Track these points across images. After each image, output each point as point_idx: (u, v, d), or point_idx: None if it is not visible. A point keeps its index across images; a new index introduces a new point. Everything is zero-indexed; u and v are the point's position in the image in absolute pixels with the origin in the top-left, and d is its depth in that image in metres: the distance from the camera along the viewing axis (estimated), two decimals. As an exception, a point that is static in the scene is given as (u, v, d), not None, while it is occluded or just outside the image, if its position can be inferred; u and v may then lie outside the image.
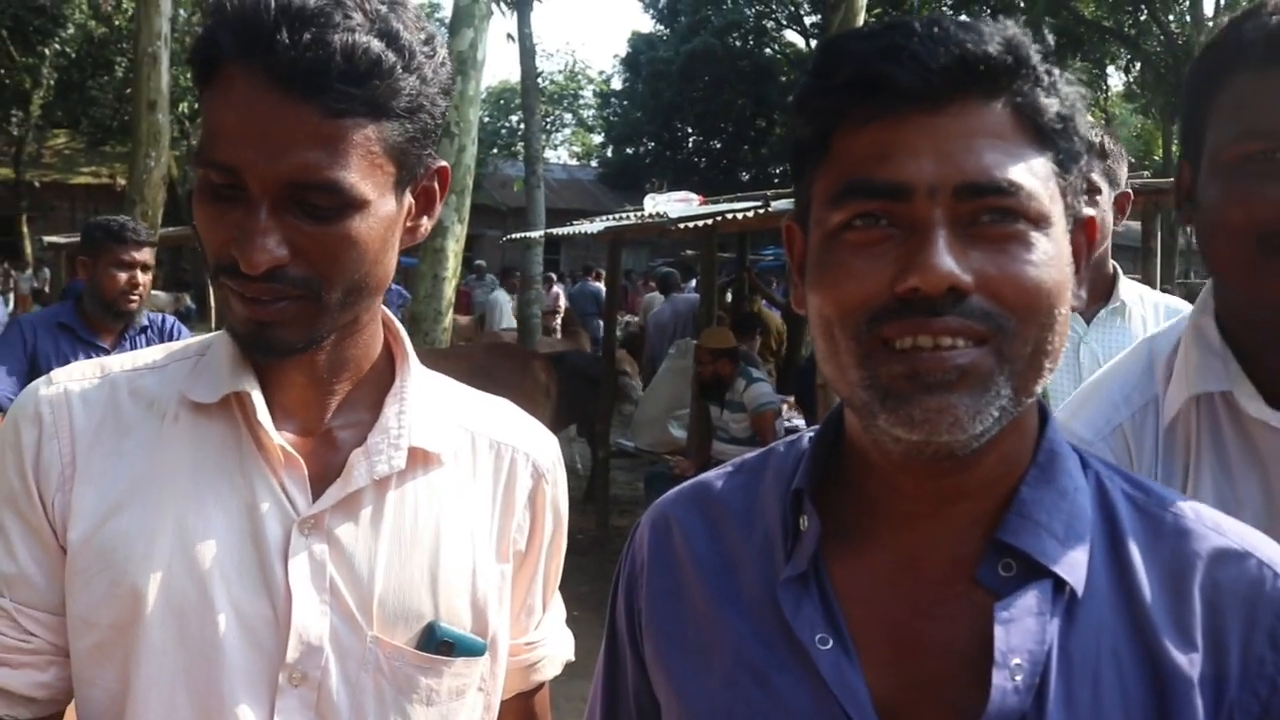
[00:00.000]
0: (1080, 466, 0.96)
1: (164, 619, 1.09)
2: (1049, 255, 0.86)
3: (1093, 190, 2.40)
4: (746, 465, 1.09)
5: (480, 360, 7.73)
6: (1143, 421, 1.46)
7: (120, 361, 1.21)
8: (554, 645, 1.40)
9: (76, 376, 1.18)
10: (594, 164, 40.47)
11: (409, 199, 1.15)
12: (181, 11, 21.51)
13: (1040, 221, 0.86)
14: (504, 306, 15.97)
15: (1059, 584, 0.89)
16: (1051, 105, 0.88)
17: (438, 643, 1.16)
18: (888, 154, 0.85)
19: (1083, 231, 0.94)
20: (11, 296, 19.81)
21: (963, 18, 0.89)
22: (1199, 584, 0.90)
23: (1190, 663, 0.87)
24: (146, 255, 4.04)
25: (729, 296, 10.52)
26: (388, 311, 1.23)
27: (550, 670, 1.40)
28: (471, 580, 1.20)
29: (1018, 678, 0.85)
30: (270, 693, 1.10)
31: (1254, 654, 0.88)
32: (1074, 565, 0.89)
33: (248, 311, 1.08)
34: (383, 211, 1.09)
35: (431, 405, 1.23)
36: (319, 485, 1.14)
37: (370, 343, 1.21)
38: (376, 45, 1.03)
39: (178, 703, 1.09)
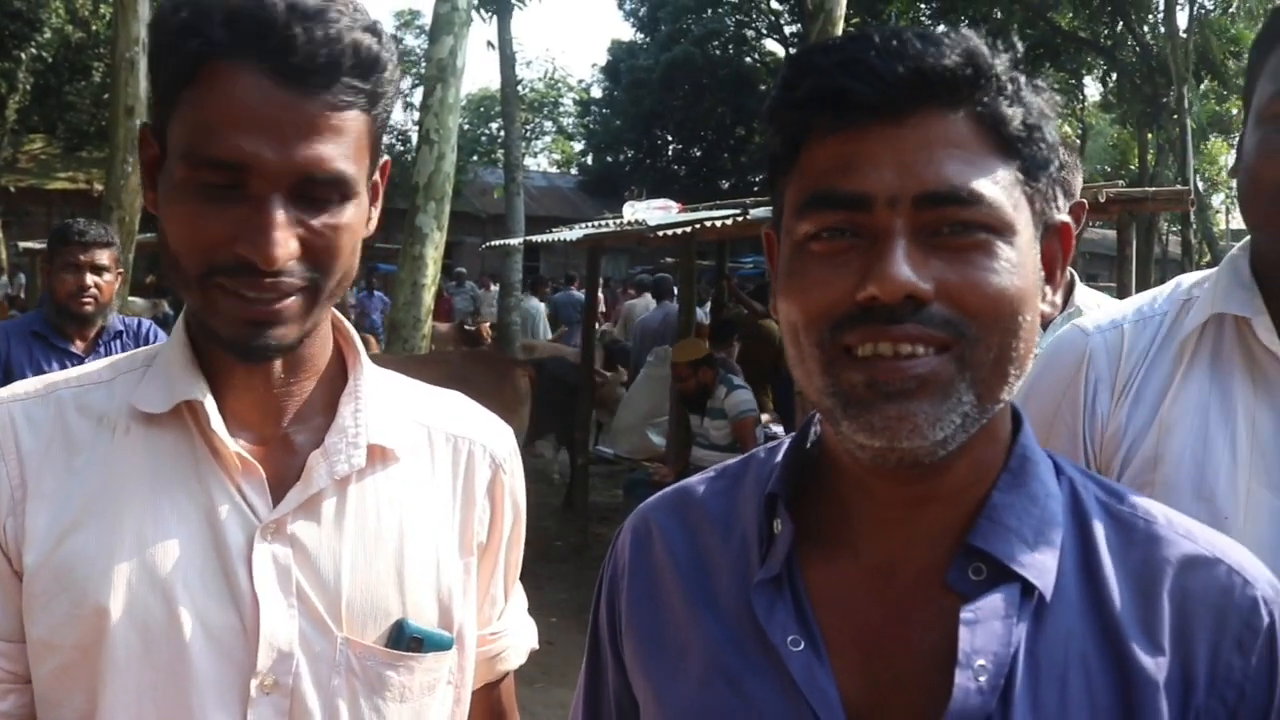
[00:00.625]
0: (1054, 472, 0.97)
1: (128, 635, 1.07)
2: (1012, 263, 0.87)
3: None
4: (728, 471, 1.11)
5: (458, 367, 7.72)
6: (1144, 328, 1.60)
7: (65, 378, 1.19)
8: (517, 634, 1.41)
9: (20, 395, 1.16)
10: (574, 171, 40.46)
11: (368, 192, 1.16)
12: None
13: (1003, 230, 0.87)
14: (540, 315, 15.62)
15: (1028, 588, 0.89)
16: (1015, 114, 0.89)
17: (407, 640, 1.17)
18: (849, 165, 0.87)
19: (1056, 237, 0.95)
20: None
21: (926, 28, 0.90)
22: (1168, 590, 0.90)
23: (1158, 668, 0.88)
24: (99, 256, 3.93)
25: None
26: (336, 312, 1.23)
27: (515, 659, 1.41)
28: (436, 575, 1.20)
29: (981, 679, 0.86)
30: (242, 702, 1.09)
31: (1222, 660, 0.89)
32: (1043, 570, 0.90)
33: (249, 312, 1.06)
34: (363, 201, 1.12)
35: (387, 402, 1.23)
36: (278, 490, 1.14)
37: (325, 341, 1.21)
38: (373, 40, 1.06)
39: (147, 719, 1.08)
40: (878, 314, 0.85)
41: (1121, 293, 8.00)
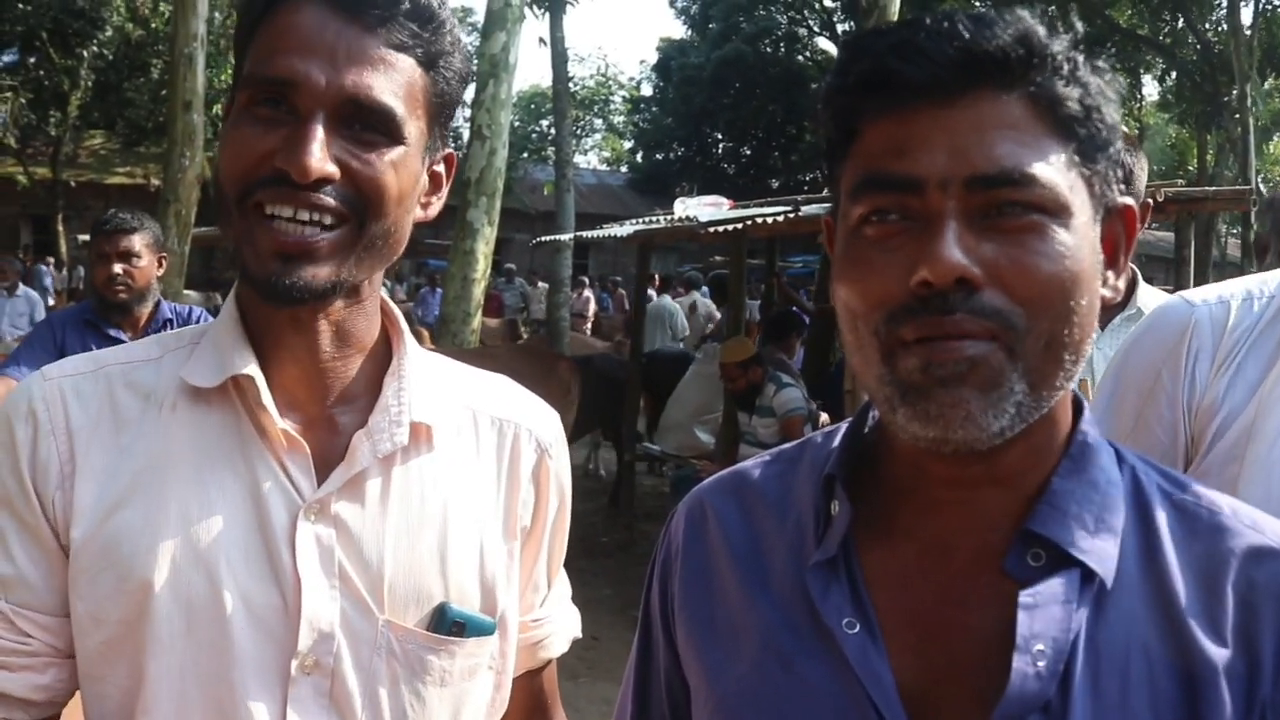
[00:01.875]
0: (1115, 460, 0.95)
1: (172, 612, 1.08)
2: (1067, 247, 0.85)
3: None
4: (784, 455, 1.10)
5: (506, 361, 7.75)
6: (1250, 307, 1.61)
7: (115, 355, 1.20)
8: (560, 622, 1.39)
9: (69, 372, 1.16)
10: (624, 169, 40.52)
11: (426, 170, 1.17)
12: (217, 14, 21.71)
13: (1058, 212, 0.85)
14: (679, 314, 14.78)
15: (1088, 575, 0.88)
16: (1071, 94, 0.87)
17: (449, 624, 1.16)
18: (901, 148, 0.86)
19: (1120, 220, 0.93)
20: (50, 294, 20.09)
21: (981, 12, 0.89)
22: (1233, 581, 0.88)
23: (1222, 660, 0.86)
24: (132, 243, 3.93)
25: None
26: (384, 295, 1.23)
27: (558, 647, 1.40)
28: (480, 559, 1.20)
29: (1040, 663, 0.84)
30: (283, 682, 1.09)
31: None
32: (1104, 556, 0.88)
33: (281, 240, 1.06)
34: (414, 163, 1.12)
35: (431, 382, 1.22)
36: (323, 469, 1.14)
37: (371, 318, 1.20)
38: (435, 1, 1.11)
39: (189, 695, 1.08)
40: (931, 305, 0.84)
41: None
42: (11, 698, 1.13)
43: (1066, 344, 0.86)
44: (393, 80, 1.08)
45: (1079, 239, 0.86)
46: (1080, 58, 0.88)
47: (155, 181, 27.73)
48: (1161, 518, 0.92)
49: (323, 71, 1.05)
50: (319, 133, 1.04)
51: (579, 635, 1.44)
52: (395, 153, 1.09)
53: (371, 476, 1.15)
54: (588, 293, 20.05)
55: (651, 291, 17.52)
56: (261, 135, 1.06)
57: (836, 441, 1.03)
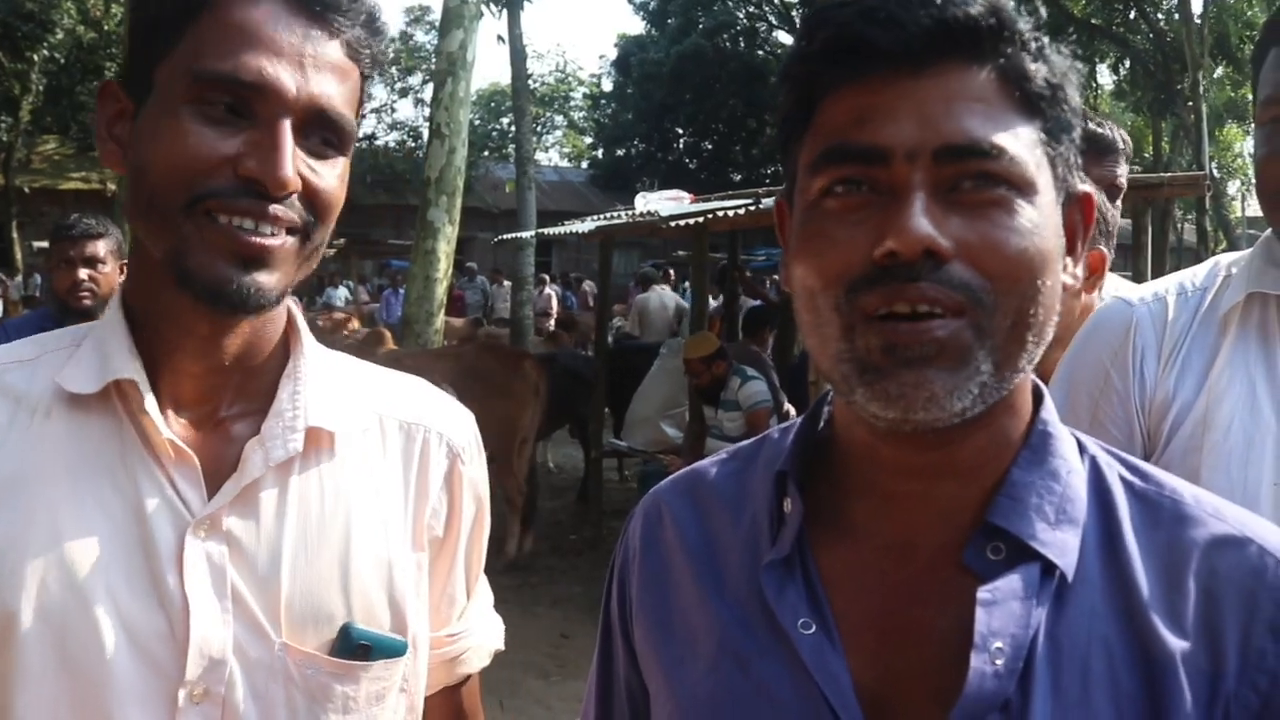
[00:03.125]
0: (1076, 449, 0.93)
1: (41, 639, 0.98)
2: (1033, 223, 0.84)
3: (1115, 190, 2.48)
4: (741, 452, 1.08)
5: (470, 360, 7.71)
6: (1186, 301, 1.68)
7: None
8: (480, 635, 1.31)
9: None
10: (585, 166, 40.46)
11: None
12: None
13: (1025, 188, 0.84)
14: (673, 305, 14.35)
15: (1049, 568, 0.86)
16: (1039, 71, 0.86)
17: (354, 646, 1.08)
18: (866, 118, 0.84)
19: (1079, 208, 0.92)
20: (1, 302, 19.79)
21: None
22: (1195, 571, 0.87)
23: (1184, 653, 0.84)
24: (96, 249, 3.85)
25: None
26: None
27: (477, 662, 1.32)
28: (387, 574, 1.12)
29: (998, 661, 0.82)
30: (169, 712, 1.00)
31: (1253, 646, 0.84)
32: (1065, 549, 0.87)
33: (241, 242, 1.00)
34: (346, 176, 1.10)
35: (331, 385, 1.14)
36: (214, 481, 1.05)
37: (279, 324, 1.14)
38: (380, 12, 1.08)
39: None
40: (895, 273, 0.81)
41: (1137, 280, 7.97)
42: None
43: (1031, 324, 0.84)
44: (346, 89, 1.05)
45: (1044, 217, 0.85)
46: (1046, 38, 0.87)
47: (111, 186, 27.43)
48: (1123, 507, 0.90)
49: (291, 77, 1.00)
50: (290, 142, 1.00)
51: (501, 647, 1.36)
52: (342, 163, 1.07)
53: (266, 488, 1.07)
54: (549, 290, 19.99)
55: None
56: (218, 137, 0.99)
57: (791, 438, 1.00)
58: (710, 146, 36.29)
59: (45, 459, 1.03)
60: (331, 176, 1.05)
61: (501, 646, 1.36)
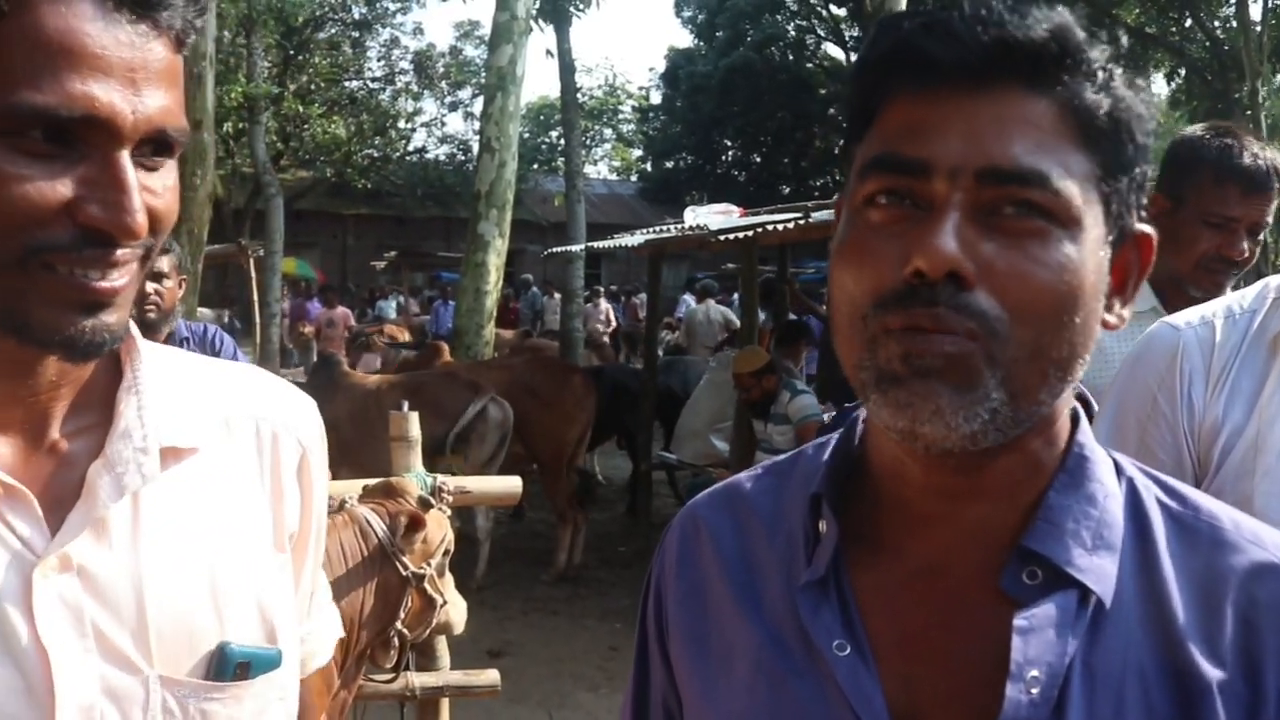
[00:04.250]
0: (1114, 472, 0.92)
1: None
2: (1070, 260, 0.82)
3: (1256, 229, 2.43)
4: (776, 468, 1.07)
5: (521, 373, 7.76)
6: (1234, 324, 1.67)
7: None
8: (324, 629, 1.26)
9: None
10: (633, 179, 40.58)
11: None
12: (226, 33, 21.82)
13: (1067, 223, 0.82)
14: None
15: (1085, 594, 0.85)
16: (1102, 104, 0.83)
17: (233, 666, 1.00)
18: (918, 130, 0.83)
19: (1135, 248, 0.90)
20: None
21: (1019, 4, 0.85)
22: (1233, 599, 0.85)
23: (1221, 682, 0.82)
24: (161, 264, 3.94)
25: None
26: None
27: (324, 655, 1.25)
28: (256, 585, 1.04)
29: (1034, 690, 0.81)
30: None
31: None
32: (1102, 575, 0.85)
33: (85, 291, 0.87)
34: (175, 169, 0.96)
35: (175, 391, 1.03)
36: (55, 512, 0.93)
37: None
38: None
39: None
40: (920, 294, 0.80)
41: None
42: None
43: (1053, 359, 0.83)
44: (178, 90, 0.90)
45: (1084, 255, 0.83)
46: (1118, 70, 0.85)
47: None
48: (1160, 532, 0.89)
49: (125, 100, 0.85)
50: (134, 180, 0.86)
51: (342, 634, 1.30)
52: (173, 165, 0.93)
53: (118, 513, 0.95)
54: (604, 303, 20.01)
55: (690, 298, 17.40)
56: (44, 179, 0.83)
57: (825, 456, 0.99)
58: (758, 159, 36.28)
59: None
60: (166, 187, 0.91)
61: (342, 634, 1.29)
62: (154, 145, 0.89)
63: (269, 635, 1.04)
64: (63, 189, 0.84)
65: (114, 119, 0.84)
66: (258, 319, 14.21)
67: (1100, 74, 0.84)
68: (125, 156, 0.85)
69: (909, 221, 0.83)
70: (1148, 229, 0.90)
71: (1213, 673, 0.83)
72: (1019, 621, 0.84)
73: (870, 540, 0.94)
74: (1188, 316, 1.72)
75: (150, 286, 3.93)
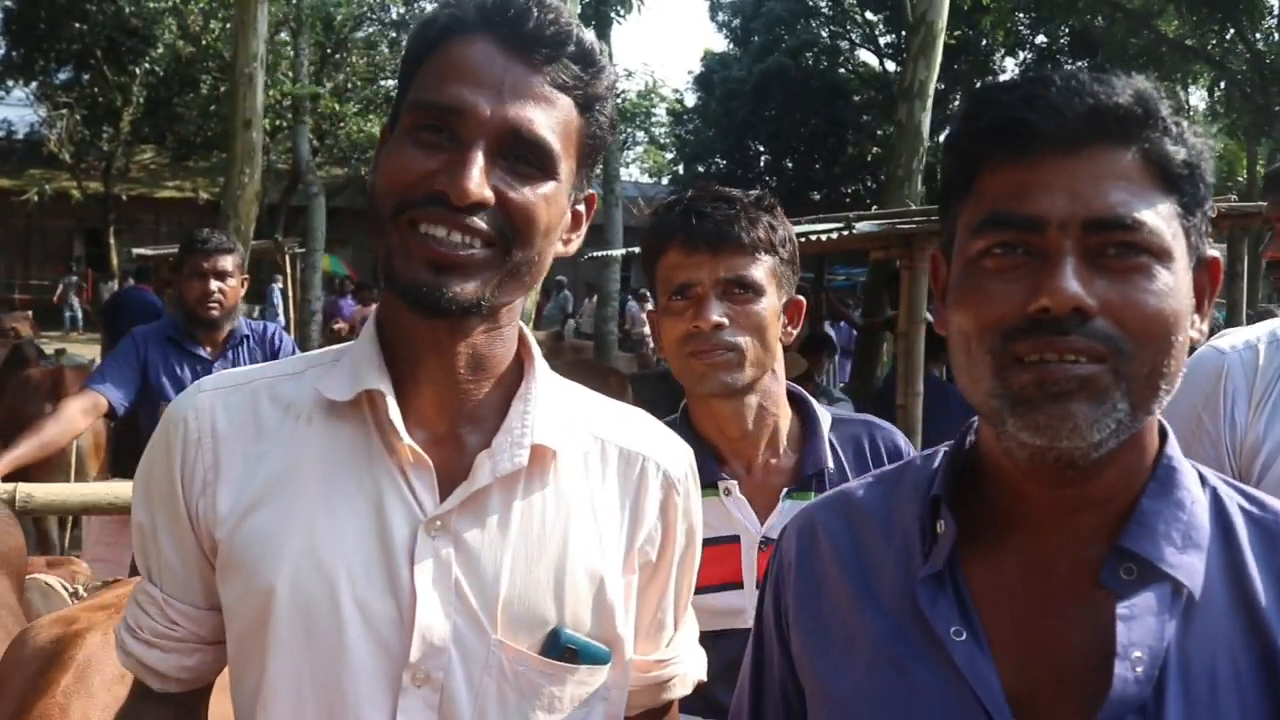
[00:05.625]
0: (1199, 482, 1.04)
1: (292, 616, 1.12)
2: (1169, 287, 0.95)
3: None
4: (885, 476, 1.20)
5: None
6: (1277, 348, 1.75)
7: (263, 370, 1.26)
8: (686, 664, 1.38)
9: (223, 385, 1.23)
10: (665, 181, 40.58)
11: (570, 207, 1.20)
12: (282, 34, 21.99)
13: (1162, 256, 0.95)
14: None
15: (1177, 588, 0.97)
16: (1178, 153, 0.97)
17: (561, 649, 1.16)
18: (1026, 191, 0.96)
19: (1206, 271, 1.03)
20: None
21: (1100, 73, 0.99)
22: None
23: None
24: (224, 263, 4.08)
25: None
26: (521, 324, 1.26)
27: (681, 689, 1.38)
28: (598, 588, 1.20)
29: (1138, 669, 0.93)
30: (394, 692, 1.11)
31: None
32: (1191, 571, 0.97)
33: (433, 251, 1.10)
34: (562, 199, 1.17)
35: (559, 408, 1.23)
36: (446, 486, 1.15)
37: (508, 344, 1.23)
38: (594, 42, 1.17)
39: (305, 697, 1.12)
40: (1046, 326, 0.93)
41: (1232, 310, 7.85)
42: (165, 675, 1.23)
43: (1165, 373, 0.96)
44: (551, 117, 1.12)
45: (1178, 282, 0.96)
46: (1185, 121, 0.98)
47: (204, 195, 28.11)
48: (1243, 533, 1.01)
49: (488, 102, 1.09)
50: (479, 159, 1.09)
51: (705, 678, 1.41)
52: (547, 186, 1.13)
53: (493, 496, 1.16)
54: (650, 305, 20.01)
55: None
56: (423, 157, 1.11)
57: (937, 463, 1.12)
58: (790, 165, 36.21)
59: (305, 458, 1.17)
60: (530, 195, 1.12)
61: (705, 677, 1.41)
62: (519, 155, 1.11)
63: (604, 635, 1.20)
64: (429, 164, 1.10)
65: (471, 111, 1.10)
66: (293, 315, 14.35)
67: (1174, 128, 0.98)
68: (477, 145, 1.09)
69: (1025, 268, 0.96)
70: (1216, 253, 1.03)
71: None
72: (1121, 610, 0.96)
73: (983, 539, 1.05)
74: (1233, 340, 1.81)
75: (214, 285, 4.05)
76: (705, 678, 1.42)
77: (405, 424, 1.16)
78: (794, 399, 1.95)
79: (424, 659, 1.11)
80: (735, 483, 1.84)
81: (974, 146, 1.01)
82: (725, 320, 1.78)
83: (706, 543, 1.70)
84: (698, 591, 1.56)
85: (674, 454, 1.31)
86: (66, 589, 3.04)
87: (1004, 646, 1.00)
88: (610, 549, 1.23)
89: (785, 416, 1.91)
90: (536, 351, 1.26)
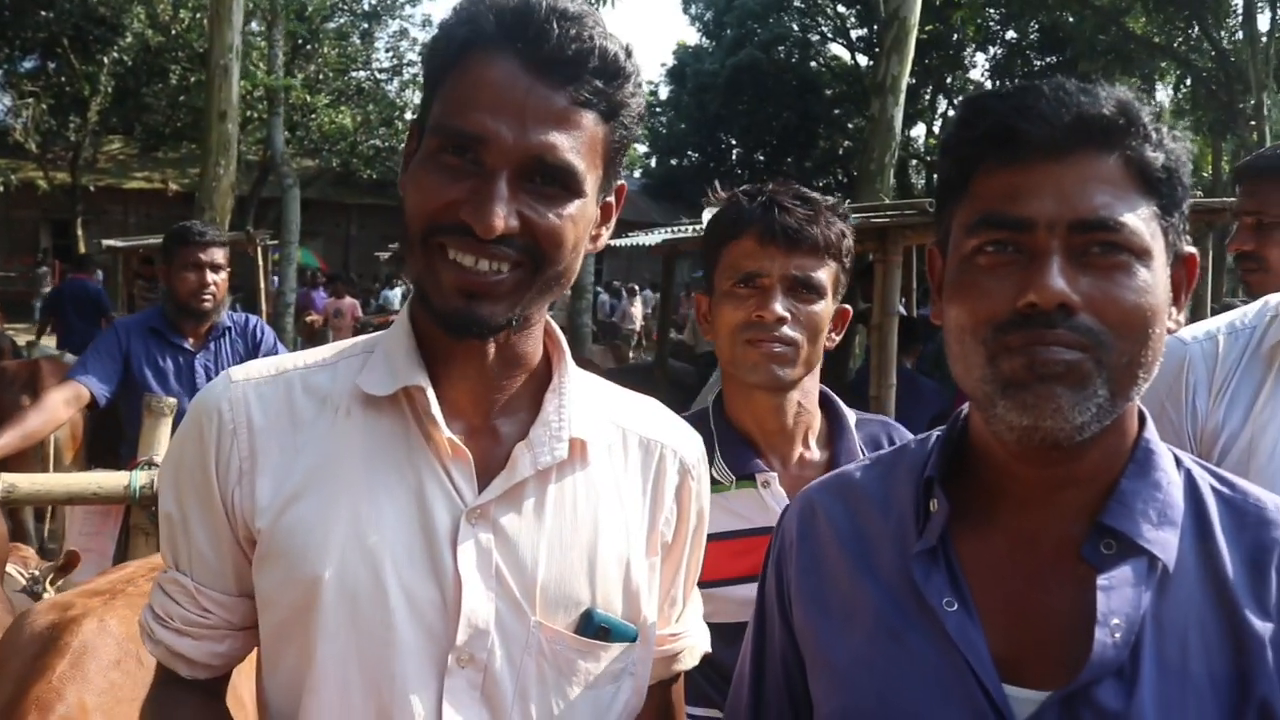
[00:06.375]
0: (1175, 464, 1.12)
1: (338, 602, 1.15)
2: (1148, 283, 1.03)
3: None
4: (882, 459, 1.28)
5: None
6: (1236, 339, 1.83)
7: (294, 360, 1.28)
8: (694, 637, 1.45)
9: (254, 376, 1.25)
10: (638, 175, 40.60)
11: (598, 207, 1.23)
12: (255, 25, 21.80)
13: (1142, 255, 1.03)
14: None
15: (1153, 562, 1.05)
16: (1158, 159, 1.05)
17: (595, 628, 1.23)
18: (1017, 194, 1.04)
19: (1184, 267, 1.10)
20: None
21: (1086, 84, 1.07)
22: (1276, 565, 1.06)
23: (1268, 632, 1.03)
24: (216, 255, 4.10)
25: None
26: (548, 317, 1.29)
27: (689, 661, 1.45)
28: (626, 570, 1.26)
29: (1116, 635, 1.01)
30: (439, 673, 1.16)
31: None
32: (1166, 546, 1.06)
33: (464, 280, 1.13)
34: (590, 210, 1.19)
35: (587, 400, 1.28)
36: (484, 477, 1.20)
37: (537, 342, 1.27)
38: (620, 51, 1.17)
39: (351, 681, 1.15)
40: (1034, 320, 1.01)
41: (1197, 303, 7.98)
42: (195, 661, 1.26)
43: (1142, 363, 1.04)
44: (575, 138, 1.13)
45: (1157, 278, 1.04)
46: (1165, 128, 1.06)
47: (174, 186, 27.92)
48: (1214, 511, 1.10)
49: (510, 130, 1.10)
50: (503, 190, 1.11)
51: (709, 650, 1.49)
52: (573, 206, 1.15)
53: (530, 486, 1.21)
54: (638, 300, 19.74)
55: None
56: (447, 183, 1.13)
57: (930, 447, 1.20)
58: (762, 158, 36.33)
59: (346, 450, 1.20)
60: (555, 218, 1.14)
61: (709, 650, 1.49)
62: (543, 177, 1.13)
63: (631, 615, 1.27)
64: (455, 192, 1.13)
65: (495, 141, 1.11)
66: (265, 308, 14.26)
67: (1155, 134, 1.06)
68: (501, 174, 1.11)
69: (1015, 265, 1.04)
70: (1193, 250, 1.11)
71: (1261, 624, 1.04)
72: (1101, 581, 1.04)
73: (973, 517, 1.14)
74: (1194, 331, 1.89)
75: (209, 277, 4.08)
76: (710, 649, 1.49)
77: (443, 417, 1.19)
78: (821, 398, 2.02)
79: (469, 641, 1.16)
80: (775, 475, 1.88)
81: (969, 151, 1.08)
82: (788, 315, 1.83)
83: (737, 534, 1.77)
84: (727, 583, 1.61)
85: (688, 441, 1.38)
86: (22, 575, 3.04)
87: (992, 616, 1.08)
88: (635, 533, 1.29)
89: (817, 415, 1.98)
90: (565, 346, 1.31)
